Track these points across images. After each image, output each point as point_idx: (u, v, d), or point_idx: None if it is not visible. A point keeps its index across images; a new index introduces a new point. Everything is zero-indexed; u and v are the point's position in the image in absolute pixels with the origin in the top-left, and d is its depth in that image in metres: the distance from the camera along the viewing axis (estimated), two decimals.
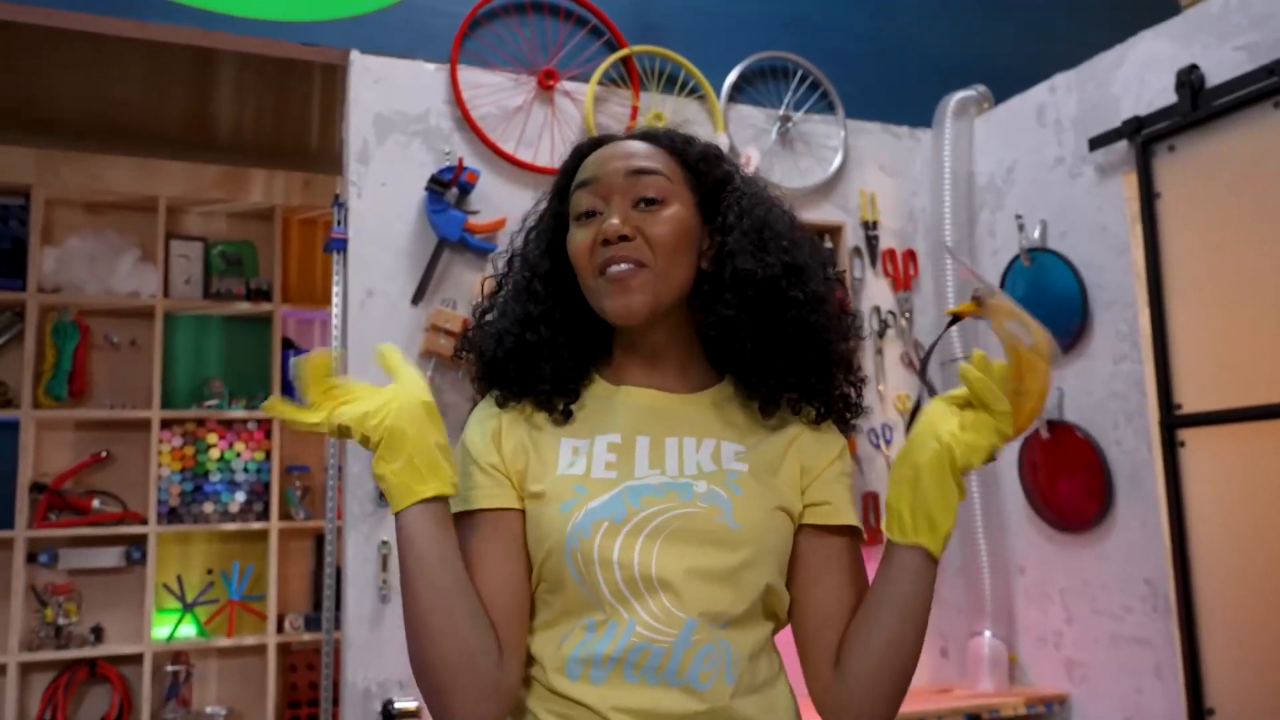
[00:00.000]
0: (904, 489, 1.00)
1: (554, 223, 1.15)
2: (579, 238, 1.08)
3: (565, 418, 1.09)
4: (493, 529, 1.04)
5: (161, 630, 3.72)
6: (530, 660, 1.03)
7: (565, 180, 1.14)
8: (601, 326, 1.11)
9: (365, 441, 0.99)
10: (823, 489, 1.09)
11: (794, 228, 1.12)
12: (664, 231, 1.05)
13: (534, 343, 1.09)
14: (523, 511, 1.05)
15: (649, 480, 1.03)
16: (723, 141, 2.75)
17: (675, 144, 1.12)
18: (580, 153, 1.15)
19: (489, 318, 1.15)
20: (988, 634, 2.73)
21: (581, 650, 0.99)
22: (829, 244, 2.92)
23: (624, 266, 1.04)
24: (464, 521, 1.05)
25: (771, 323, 1.06)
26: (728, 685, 0.99)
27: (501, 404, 1.11)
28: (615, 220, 1.04)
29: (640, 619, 0.98)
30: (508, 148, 2.58)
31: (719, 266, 1.07)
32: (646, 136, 1.12)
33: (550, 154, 2.61)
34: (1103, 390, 2.54)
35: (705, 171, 1.11)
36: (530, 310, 1.11)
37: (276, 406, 1.01)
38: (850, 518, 1.09)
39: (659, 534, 0.99)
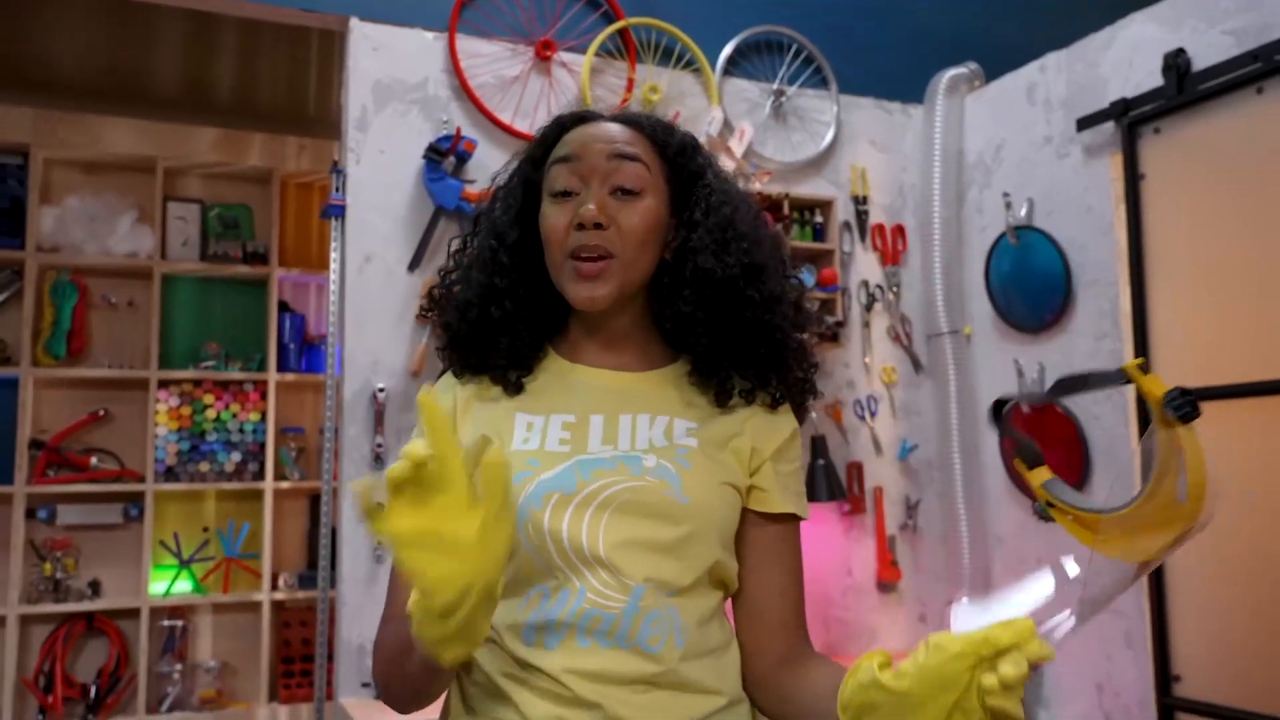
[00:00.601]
0: (858, 693, 0.92)
1: (524, 189, 1.15)
2: (553, 217, 1.08)
3: (517, 390, 1.11)
4: None
5: (158, 586, 3.79)
6: None
7: (542, 150, 1.13)
8: (560, 301, 1.11)
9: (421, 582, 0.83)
10: (767, 474, 1.10)
11: (757, 226, 1.14)
12: (637, 224, 1.07)
13: (497, 317, 1.10)
14: None
15: (601, 454, 1.04)
16: (717, 115, 2.79)
17: (656, 133, 1.12)
18: (562, 125, 1.14)
19: (453, 278, 1.16)
20: (965, 601, 2.80)
21: (537, 616, 1.00)
22: (819, 219, 2.96)
23: (594, 260, 1.05)
24: None
25: (727, 321, 1.08)
26: (677, 649, 1.01)
27: (458, 375, 1.14)
28: (592, 206, 1.05)
29: (591, 585, 0.99)
30: (504, 117, 2.61)
31: (681, 261, 1.10)
32: (630, 121, 1.12)
33: None
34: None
35: (681, 164, 1.13)
36: (495, 283, 1.11)
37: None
38: (789, 505, 1.11)
39: (607, 506, 1.01)
